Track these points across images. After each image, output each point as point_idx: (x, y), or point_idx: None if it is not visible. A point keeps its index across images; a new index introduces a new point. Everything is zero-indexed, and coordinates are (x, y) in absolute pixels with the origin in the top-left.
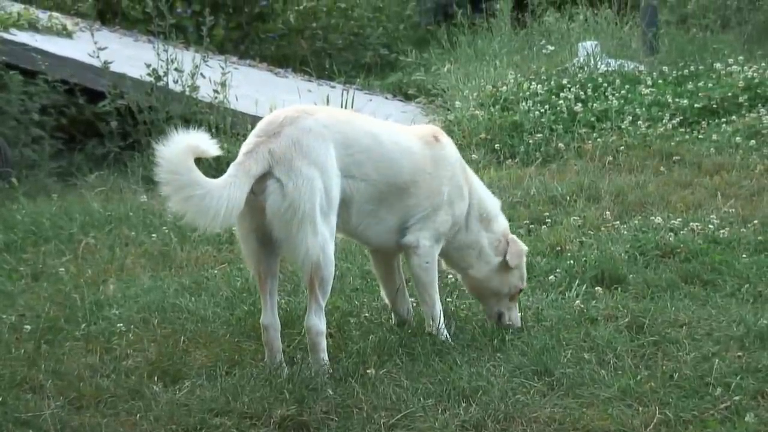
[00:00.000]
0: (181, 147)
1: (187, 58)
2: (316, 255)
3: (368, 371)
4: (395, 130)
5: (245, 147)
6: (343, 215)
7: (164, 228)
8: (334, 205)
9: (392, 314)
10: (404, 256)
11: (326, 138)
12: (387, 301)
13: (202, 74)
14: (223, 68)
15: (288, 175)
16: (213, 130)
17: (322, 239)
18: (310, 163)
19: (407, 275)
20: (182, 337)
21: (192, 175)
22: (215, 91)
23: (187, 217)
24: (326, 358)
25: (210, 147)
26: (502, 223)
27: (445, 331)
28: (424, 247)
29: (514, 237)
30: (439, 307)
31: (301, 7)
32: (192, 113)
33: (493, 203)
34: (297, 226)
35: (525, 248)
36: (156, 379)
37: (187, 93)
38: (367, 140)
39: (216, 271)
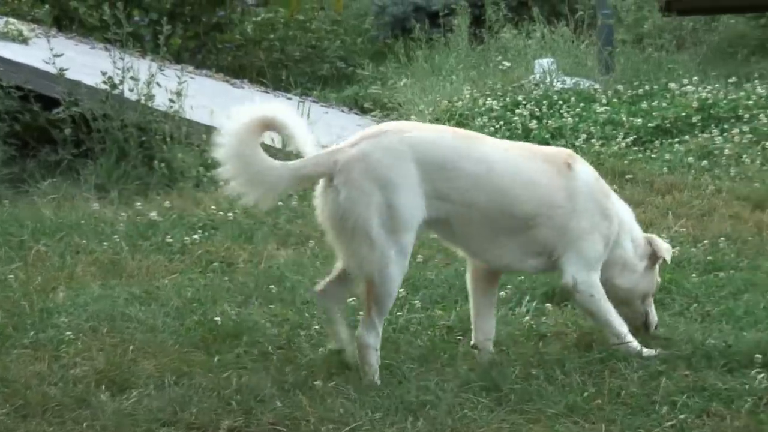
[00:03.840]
0: (246, 123)
1: (143, 66)
2: (370, 270)
3: (316, 383)
4: (518, 159)
5: (325, 150)
6: (449, 236)
7: (115, 237)
8: (405, 224)
9: (474, 334)
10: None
11: (405, 157)
12: (472, 318)
13: (158, 83)
14: (179, 77)
15: (344, 185)
16: (168, 140)
17: (382, 256)
18: (370, 178)
19: None
20: (131, 347)
21: (254, 154)
22: (171, 100)
23: (247, 196)
24: (373, 373)
25: (297, 130)
26: (637, 228)
27: (636, 343)
28: (583, 283)
29: (652, 235)
30: (619, 324)
31: (259, 19)
32: (147, 122)
33: (628, 211)
34: (350, 236)
35: (667, 243)
36: (103, 388)
37: (143, 102)
38: (472, 166)
39: (167, 281)
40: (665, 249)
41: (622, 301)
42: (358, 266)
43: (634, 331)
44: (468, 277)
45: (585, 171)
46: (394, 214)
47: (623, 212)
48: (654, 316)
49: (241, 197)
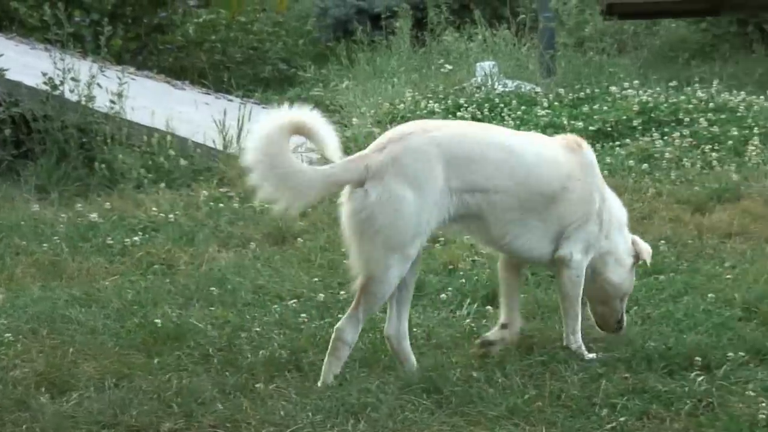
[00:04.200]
0: (276, 127)
1: (84, 67)
2: (374, 270)
3: (257, 386)
4: (536, 141)
5: (353, 156)
6: (480, 229)
7: (55, 238)
8: (421, 230)
9: (502, 330)
10: (556, 270)
11: (433, 158)
12: (504, 317)
13: (98, 84)
14: (120, 79)
15: (375, 188)
16: (109, 141)
17: (390, 260)
18: (403, 182)
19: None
20: (71, 349)
21: (284, 159)
22: (112, 101)
23: (279, 202)
24: (336, 370)
25: (324, 134)
26: (626, 226)
27: (583, 347)
28: (577, 261)
29: (635, 236)
30: (578, 318)
31: (201, 20)
32: (88, 123)
33: (621, 208)
34: (370, 237)
35: (647, 245)
36: (43, 390)
37: (83, 103)
38: (497, 153)
39: (107, 283)
40: (647, 251)
41: (606, 297)
42: (363, 264)
43: (607, 330)
44: (499, 267)
45: (592, 152)
46: (418, 219)
47: (617, 208)
48: (624, 319)
49: (272, 203)
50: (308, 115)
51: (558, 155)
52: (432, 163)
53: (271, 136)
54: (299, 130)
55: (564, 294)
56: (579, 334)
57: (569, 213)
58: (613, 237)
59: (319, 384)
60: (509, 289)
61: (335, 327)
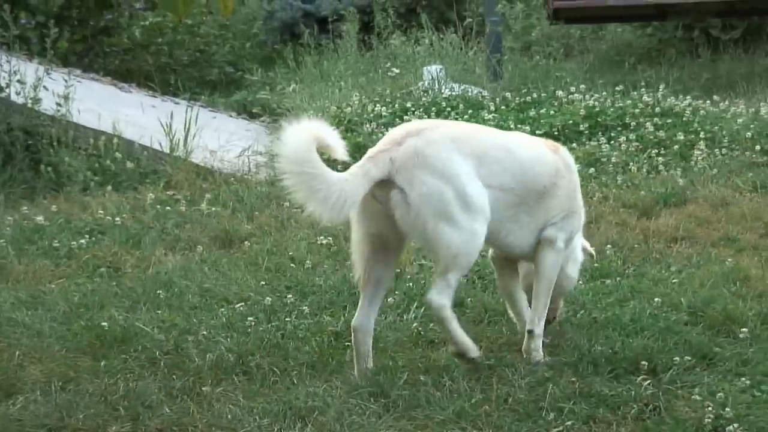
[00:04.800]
0: (304, 137)
1: (30, 69)
2: (458, 250)
3: (204, 389)
4: (525, 141)
5: (368, 154)
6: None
7: (1, 241)
8: (475, 206)
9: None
10: (536, 255)
11: (452, 149)
12: (516, 315)
13: (45, 86)
14: (66, 81)
15: (411, 185)
16: (55, 144)
17: (466, 234)
18: (432, 172)
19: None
20: (17, 352)
21: (315, 167)
22: (58, 104)
23: (307, 207)
24: (459, 331)
25: (335, 143)
26: None
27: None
28: (560, 246)
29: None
30: (545, 310)
31: (147, 23)
32: (34, 126)
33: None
34: (432, 230)
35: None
36: None
37: (29, 105)
38: (497, 152)
39: (53, 286)
40: (591, 253)
41: (560, 292)
42: (445, 250)
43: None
44: (501, 287)
45: (569, 154)
46: (465, 199)
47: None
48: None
49: (320, 216)
50: (319, 124)
51: (546, 153)
52: (453, 153)
53: (307, 154)
54: (319, 140)
55: (542, 275)
56: (544, 321)
57: (555, 208)
58: (579, 237)
59: (473, 356)
60: (514, 297)
61: (428, 299)
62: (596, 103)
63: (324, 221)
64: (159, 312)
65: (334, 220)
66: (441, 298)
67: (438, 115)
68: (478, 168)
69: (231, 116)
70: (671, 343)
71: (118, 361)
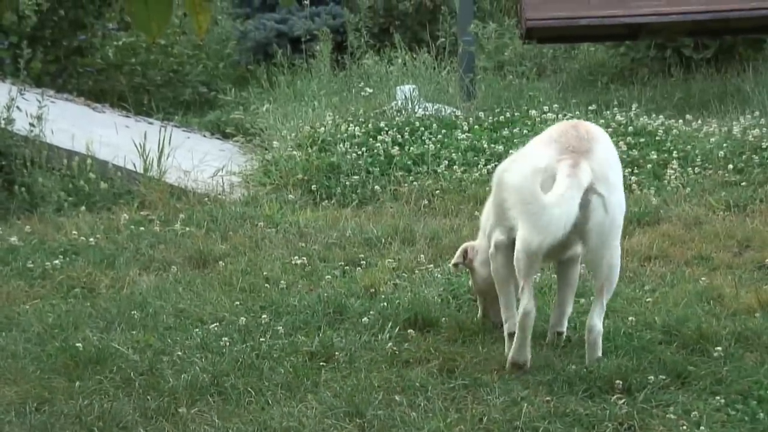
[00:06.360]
0: (528, 174)
1: (3, 90)
2: (616, 261)
3: (179, 410)
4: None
5: (564, 161)
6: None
7: None
8: None
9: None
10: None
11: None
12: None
13: (18, 107)
14: (39, 102)
15: (609, 190)
16: (28, 164)
17: (619, 247)
18: (618, 178)
19: None
20: None
21: (540, 199)
22: (31, 124)
23: (530, 235)
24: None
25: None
26: None
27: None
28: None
29: None
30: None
31: (120, 43)
32: (7, 146)
33: None
34: (613, 236)
35: None
36: None
37: (2, 126)
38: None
39: (27, 307)
40: None
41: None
42: (609, 260)
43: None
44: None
45: None
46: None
47: None
48: None
49: (551, 239)
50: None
51: None
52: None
53: (535, 187)
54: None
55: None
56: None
57: None
58: None
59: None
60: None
61: (587, 325)
62: None
63: (548, 243)
64: (134, 332)
65: (557, 240)
66: (600, 322)
67: (412, 134)
68: None
69: (205, 136)
70: (646, 362)
71: (92, 381)
